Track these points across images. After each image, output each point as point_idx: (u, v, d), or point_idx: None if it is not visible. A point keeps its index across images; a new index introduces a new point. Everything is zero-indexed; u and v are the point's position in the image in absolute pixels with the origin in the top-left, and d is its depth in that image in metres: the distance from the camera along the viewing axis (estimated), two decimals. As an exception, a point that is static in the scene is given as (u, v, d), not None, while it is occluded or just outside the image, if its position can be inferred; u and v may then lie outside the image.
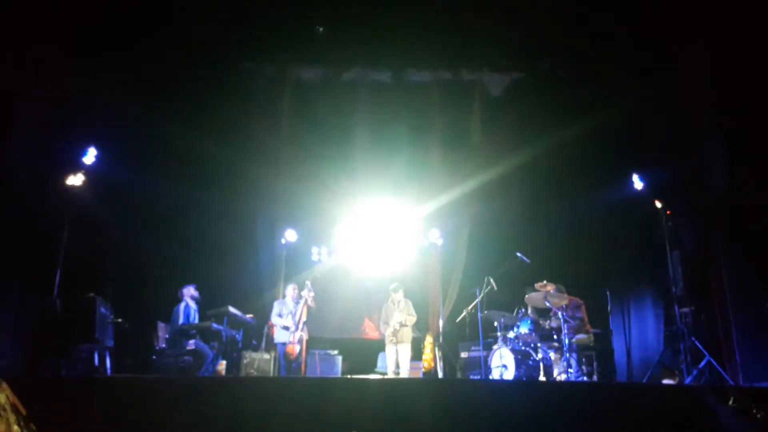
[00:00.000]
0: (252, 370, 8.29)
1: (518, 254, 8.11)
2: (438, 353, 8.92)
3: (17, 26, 7.31)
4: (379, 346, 8.96)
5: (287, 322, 8.32)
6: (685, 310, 7.46)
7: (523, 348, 7.59)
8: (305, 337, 8.43)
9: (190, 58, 8.90)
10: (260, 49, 9.23)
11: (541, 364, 7.34)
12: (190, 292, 8.13)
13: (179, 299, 8.09)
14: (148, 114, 8.44)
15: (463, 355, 8.78)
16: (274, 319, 8.42)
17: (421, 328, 9.61)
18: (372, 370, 9.04)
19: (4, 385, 4.67)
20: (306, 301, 8.34)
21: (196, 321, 8.00)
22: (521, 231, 9.29)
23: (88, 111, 8.23)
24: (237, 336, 8.15)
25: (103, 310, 7.17)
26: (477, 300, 7.97)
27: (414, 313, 8.63)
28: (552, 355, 7.54)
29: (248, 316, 8.26)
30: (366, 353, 9.41)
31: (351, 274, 9.93)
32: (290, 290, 8.56)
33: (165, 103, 8.72)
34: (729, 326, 7.07)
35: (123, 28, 8.26)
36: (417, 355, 9.14)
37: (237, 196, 9.41)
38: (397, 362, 8.38)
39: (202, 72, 9.02)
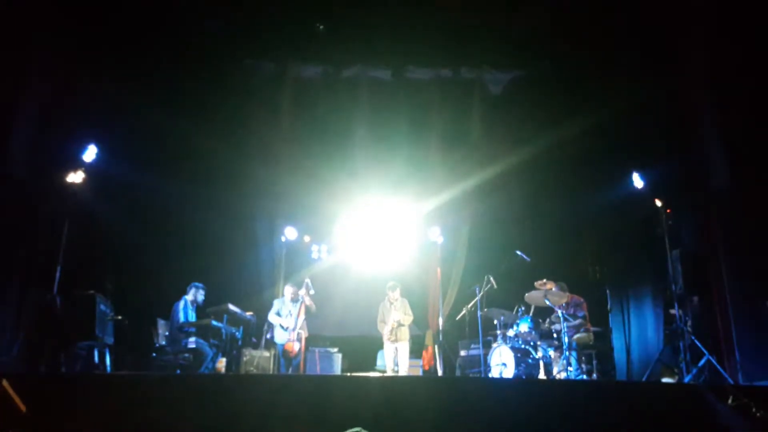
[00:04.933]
0: (252, 368, 8.31)
1: (518, 252, 8.11)
2: (437, 351, 8.93)
3: (17, 23, 7.31)
4: (379, 344, 8.97)
5: (285, 321, 8.35)
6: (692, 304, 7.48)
7: (522, 346, 7.59)
8: (304, 335, 8.45)
9: (191, 56, 8.87)
10: (260, 46, 9.20)
11: (541, 363, 7.34)
12: (195, 295, 8.11)
13: (184, 292, 8.09)
14: (148, 111, 8.42)
15: (463, 353, 8.80)
16: (272, 317, 8.45)
17: (421, 326, 9.63)
18: (371, 368, 9.06)
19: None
20: (303, 301, 8.35)
21: (193, 320, 8.00)
22: (521, 229, 9.30)
23: (88, 108, 8.22)
24: (237, 333, 8.16)
25: (102, 307, 7.16)
26: (477, 298, 7.97)
27: (410, 313, 8.65)
28: (551, 353, 7.54)
29: (248, 313, 8.27)
30: (365, 351, 9.44)
31: (351, 272, 9.93)
32: (288, 291, 8.58)
33: (165, 100, 8.70)
34: (729, 325, 7.07)
35: (123, 25, 8.25)
36: (416, 353, 9.16)
37: (237, 193, 9.42)
38: (395, 360, 8.39)
39: (203, 69, 9.00)
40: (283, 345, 8.26)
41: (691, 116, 8.03)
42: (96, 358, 7.05)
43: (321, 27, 8.75)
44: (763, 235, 6.94)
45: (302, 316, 8.37)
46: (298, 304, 8.37)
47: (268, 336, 8.55)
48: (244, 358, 8.39)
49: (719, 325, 7.21)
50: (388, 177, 9.64)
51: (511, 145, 9.33)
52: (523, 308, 7.91)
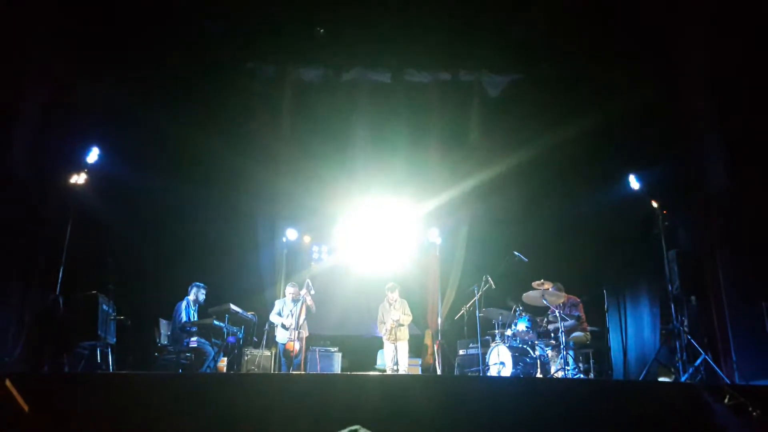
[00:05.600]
0: (253, 367, 8.35)
1: (516, 253, 8.16)
2: (437, 350, 8.98)
3: (19, 25, 7.35)
4: (379, 343, 9.03)
5: (286, 321, 8.40)
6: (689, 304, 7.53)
7: (520, 345, 7.66)
8: (305, 334, 8.50)
9: (192, 58, 8.94)
10: (261, 49, 9.26)
11: (539, 362, 7.41)
12: (196, 295, 8.17)
13: (186, 292, 8.15)
14: (150, 113, 8.49)
15: (462, 352, 8.85)
16: (273, 317, 8.50)
17: (420, 326, 9.68)
18: (371, 367, 9.11)
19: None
20: (304, 300, 8.40)
21: (195, 320, 8.05)
22: (519, 230, 9.34)
23: (90, 110, 8.27)
24: (239, 333, 8.20)
25: (105, 307, 7.20)
26: (475, 298, 8.03)
27: (409, 313, 8.70)
28: (549, 352, 7.60)
29: (249, 313, 8.31)
30: (365, 350, 9.49)
31: (350, 273, 9.98)
32: (289, 291, 8.63)
33: (167, 102, 8.77)
34: (725, 325, 7.11)
35: (125, 27, 8.30)
36: (415, 352, 9.22)
37: (238, 194, 9.48)
38: (395, 360, 8.44)
39: (204, 72, 9.06)
40: (284, 344, 8.32)
41: (688, 117, 8.08)
42: (98, 358, 7.07)
43: (321, 30, 8.82)
44: (760, 236, 6.98)
45: (303, 316, 8.42)
46: (299, 304, 8.42)
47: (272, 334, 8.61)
48: (246, 358, 8.44)
49: (716, 325, 7.26)
50: (387, 178, 9.69)
51: (508, 147, 9.39)
52: (521, 308, 7.96)
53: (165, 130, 8.66)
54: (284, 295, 8.80)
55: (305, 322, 8.51)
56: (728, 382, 6.39)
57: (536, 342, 7.66)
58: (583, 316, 7.94)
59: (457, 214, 9.93)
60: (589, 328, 7.89)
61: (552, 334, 7.68)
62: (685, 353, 6.90)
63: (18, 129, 7.48)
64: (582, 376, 7.47)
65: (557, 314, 7.48)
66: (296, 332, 8.30)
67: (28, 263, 7.49)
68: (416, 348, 9.38)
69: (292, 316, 8.40)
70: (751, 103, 7.15)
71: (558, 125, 9.02)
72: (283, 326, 8.42)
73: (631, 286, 8.71)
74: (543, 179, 9.54)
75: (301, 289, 8.48)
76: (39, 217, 7.64)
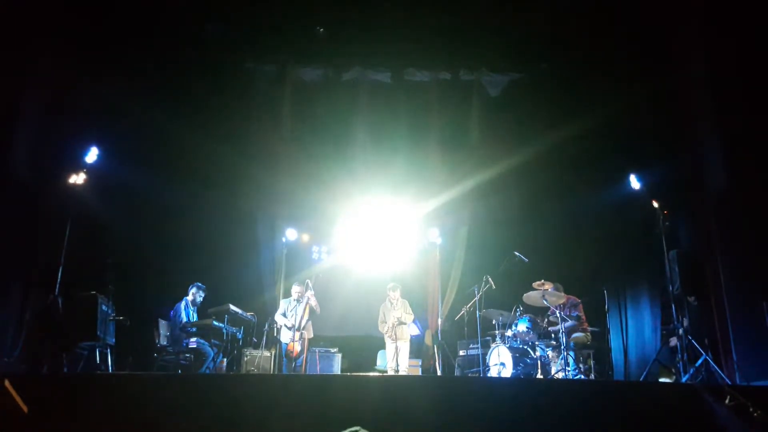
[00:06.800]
0: (252, 368, 8.35)
1: (516, 253, 8.16)
2: (437, 351, 8.98)
3: (19, 25, 7.35)
4: (379, 344, 9.03)
5: (290, 321, 8.40)
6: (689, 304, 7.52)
7: (521, 346, 7.66)
8: (308, 336, 8.49)
9: (192, 58, 8.96)
10: (261, 49, 9.28)
11: (539, 362, 7.41)
12: (195, 296, 8.17)
13: (185, 293, 8.15)
14: (149, 113, 8.49)
15: (462, 352, 8.85)
16: (278, 318, 8.51)
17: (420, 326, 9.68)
18: (371, 368, 9.10)
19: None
20: (308, 300, 8.41)
21: (195, 321, 8.05)
22: (519, 230, 9.34)
23: (90, 110, 8.27)
24: (238, 334, 8.20)
25: (104, 307, 7.19)
26: (475, 298, 8.03)
27: (411, 312, 8.71)
28: (549, 353, 7.59)
29: (249, 314, 8.31)
30: (365, 351, 9.48)
31: (350, 273, 9.98)
32: (295, 290, 8.64)
33: (166, 102, 8.77)
34: (725, 325, 7.10)
35: (125, 27, 8.31)
36: (416, 353, 9.21)
37: (238, 195, 9.47)
38: (396, 359, 8.44)
39: (204, 72, 9.07)
40: (287, 345, 8.33)
41: (688, 117, 8.06)
42: (98, 359, 7.07)
43: (321, 30, 8.82)
44: (760, 236, 6.97)
45: (306, 317, 8.42)
46: (302, 305, 8.44)
47: (274, 334, 8.60)
48: (245, 358, 8.43)
49: (716, 326, 7.24)
50: (387, 178, 9.68)
51: (509, 146, 9.38)
52: (521, 308, 7.96)
53: (165, 131, 8.66)
54: (289, 295, 8.81)
55: (309, 323, 8.51)
56: (729, 382, 6.37)
57: (537, 343, 7.66)
58: (584, 317, 7.93)
59: (457, 215, 9.93)
60: (589, 328, 7.88)
61: (552, 335, 7.67)
62: (685, 354, 6.89)
63: (18, 129, 7.48)
64: (582, 376, 7.46)
65: (557, 315, 7.48)
66: (298, 333, 8.30)
67: (28, 263, 7.49)
68: (417, 349, 9.38)
69: (297, 314, 8.41)
70: (751, 102, 7.14)
71: (558, 125, 9.01)
72: (287, 327, 8.42)
73: (631, 287, 8.69)
74: (543, 179, 9.52)
75: (305, 290, 8.50)
76: (39, 217, 7.63)
